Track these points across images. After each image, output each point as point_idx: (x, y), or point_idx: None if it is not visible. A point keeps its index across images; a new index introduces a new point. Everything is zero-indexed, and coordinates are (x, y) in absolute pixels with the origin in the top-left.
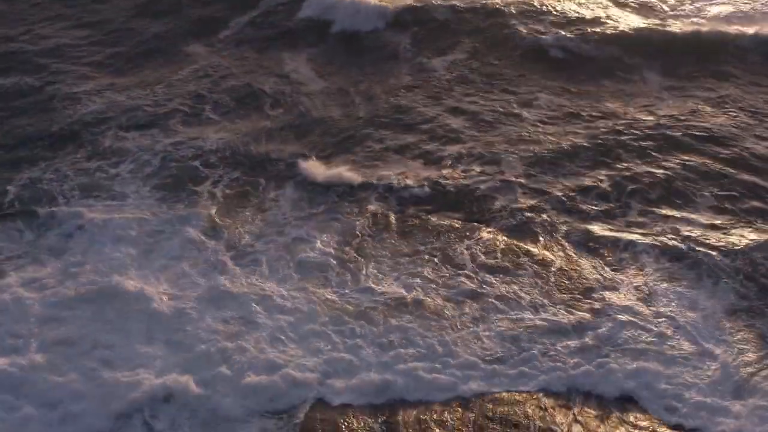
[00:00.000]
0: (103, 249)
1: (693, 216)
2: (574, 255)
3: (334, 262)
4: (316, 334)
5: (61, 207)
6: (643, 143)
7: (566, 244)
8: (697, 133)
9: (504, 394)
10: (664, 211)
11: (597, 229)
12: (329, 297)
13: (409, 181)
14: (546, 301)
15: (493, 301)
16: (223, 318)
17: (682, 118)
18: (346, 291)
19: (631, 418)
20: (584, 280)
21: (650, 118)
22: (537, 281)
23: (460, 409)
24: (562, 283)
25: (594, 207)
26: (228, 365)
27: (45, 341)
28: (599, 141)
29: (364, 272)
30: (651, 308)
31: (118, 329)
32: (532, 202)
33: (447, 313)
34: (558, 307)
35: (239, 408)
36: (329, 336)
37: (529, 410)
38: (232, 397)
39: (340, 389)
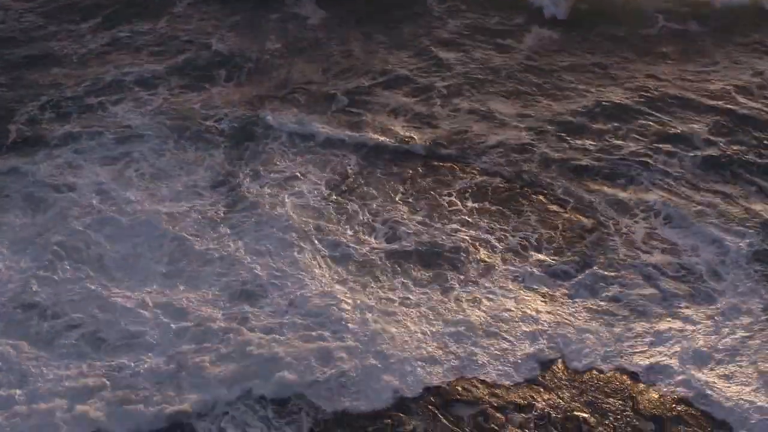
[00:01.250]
0: (106, 185)
1: (700, 170)
2: (575, 202)
3: (328, 205)
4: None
5: (62, 144)
6: (644, 94)
7: (566, 191)
8: (702, 91)
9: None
10: (666, 159)
11: (600, 178)
12: (321, 246)
13: (399, 129)
14: (548, 248)
15: (491, 248)
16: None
17: (685, 75)
18: (339, 239)
19: (645, 376)
20: (587, 227)
21: (652, 73)
22: (538, 229)
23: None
24: (564, 230)
25: (596, 156)
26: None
27: (52, 282)
28: (601, 94)
29: (359, 218)
30: (664, 256)
31: (129, 265)
32: (528, 148)
33: (443, 263)
34: (560, 254)
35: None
36: (330, 292)
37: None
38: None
39: (338, 350)
